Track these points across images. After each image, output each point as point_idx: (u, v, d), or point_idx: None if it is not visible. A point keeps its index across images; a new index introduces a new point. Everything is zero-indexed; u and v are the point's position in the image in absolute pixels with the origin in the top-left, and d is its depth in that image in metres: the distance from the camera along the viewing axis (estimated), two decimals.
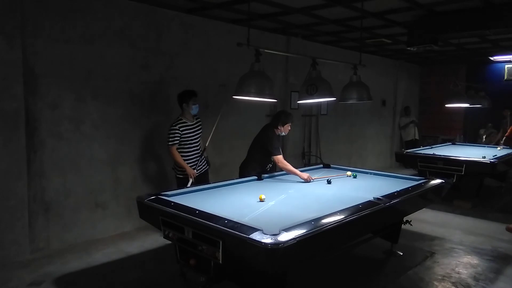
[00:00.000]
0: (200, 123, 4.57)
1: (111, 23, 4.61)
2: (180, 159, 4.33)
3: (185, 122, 4.38)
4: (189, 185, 4.23)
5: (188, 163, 4.38)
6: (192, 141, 4.43)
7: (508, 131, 6.13)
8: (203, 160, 4.60)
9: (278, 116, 4.41)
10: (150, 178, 5.16)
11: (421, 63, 10.73)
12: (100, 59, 4.55)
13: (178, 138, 4.30)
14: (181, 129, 4.31)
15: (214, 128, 4.64)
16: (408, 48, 5.63)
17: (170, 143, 4.29)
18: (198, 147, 4.53)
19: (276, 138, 4.33)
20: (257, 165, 4.43)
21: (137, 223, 4.92)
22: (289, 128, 4.40)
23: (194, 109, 4.41)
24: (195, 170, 4.44)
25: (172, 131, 4.29)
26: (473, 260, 4.18)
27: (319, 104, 7.48)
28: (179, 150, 4.36)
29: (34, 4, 4.02)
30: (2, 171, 3.88)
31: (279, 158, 4.23)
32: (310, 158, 7.61)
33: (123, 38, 4.73)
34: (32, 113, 4.09)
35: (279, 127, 4.33)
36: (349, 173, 4.51)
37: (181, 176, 4.43)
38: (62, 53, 4.25)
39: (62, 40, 4.24)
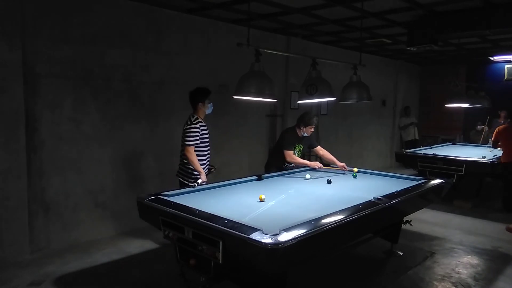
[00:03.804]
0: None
1: (111, 23, 4.61)
2: (197, 161, 3.92)
3: (202, 122, 4.04)
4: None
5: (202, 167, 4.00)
6: (207, 143, 4.12)
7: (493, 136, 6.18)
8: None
9: (302, 117, 4.61)
10: (150, 178, 5.15)
11: (421, 63, 10.73)
12: (100, 59, 4.55)
13: (198, 137, 3.95)
14: (201, 128, 3.98)
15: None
16: (408, 48, 5.63)
17: (191, 142, 3.88)
18: (209, 150, 4.22)
19: (292, 137, 4.59)
20: (275, 163, 4.68)
21: (137, 223, 4.91)
22: (312, 130, 4.62)
23: (210, 108, 4.10)
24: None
25: (193, 130, 3.90)
26: (473, 260, 4.18)
27: (319, 104, 7.49)
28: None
29: (34, 4, 4.02)
30: (2, 171, 3.88)
31: (288, 152, 4.48)
32: (310, 158, 7.60)
33: (123, 38, 4.73)
34: (32, 113, 4.09)
35: (302, 128, 4.56)
36: (355, 169, 4.56)
37: (188, 183, 3.94)
38: (62, 53, 4.25)
39: (62, 40, 4.24)
